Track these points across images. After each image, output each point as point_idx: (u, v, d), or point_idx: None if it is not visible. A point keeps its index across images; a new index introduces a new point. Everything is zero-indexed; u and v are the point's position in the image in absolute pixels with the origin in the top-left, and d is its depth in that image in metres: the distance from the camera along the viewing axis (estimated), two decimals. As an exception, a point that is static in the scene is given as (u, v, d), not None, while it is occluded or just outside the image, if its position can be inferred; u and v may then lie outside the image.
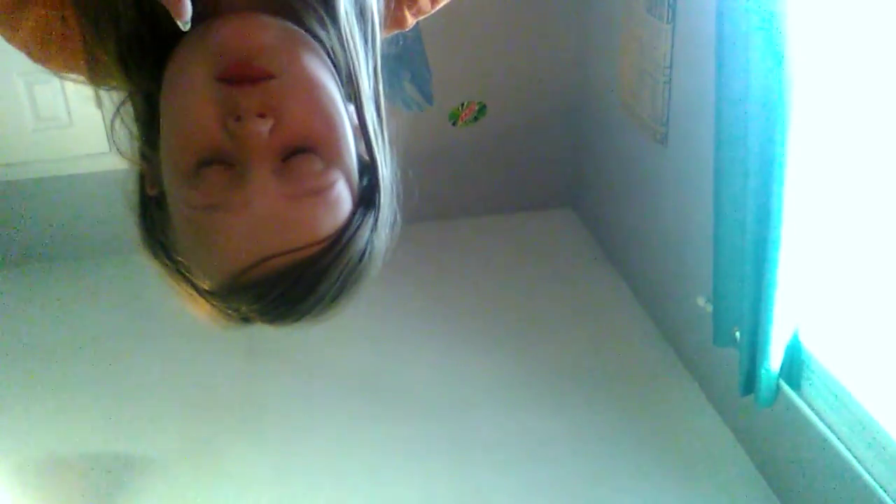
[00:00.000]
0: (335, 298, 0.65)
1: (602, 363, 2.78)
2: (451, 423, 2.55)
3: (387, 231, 0.68)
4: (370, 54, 0.70)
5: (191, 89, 0.60)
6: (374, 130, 0.68)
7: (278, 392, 2.71)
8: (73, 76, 0.70)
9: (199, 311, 0.67)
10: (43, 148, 3.23)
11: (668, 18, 2.52)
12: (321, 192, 0.62)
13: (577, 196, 3.68)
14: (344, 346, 2.83)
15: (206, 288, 0.64)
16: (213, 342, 2.80)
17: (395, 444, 2.47)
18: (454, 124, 3.50)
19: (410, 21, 0.81)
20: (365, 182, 0.67)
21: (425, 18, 0.83)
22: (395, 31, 0.81)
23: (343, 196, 0.64)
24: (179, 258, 0.66)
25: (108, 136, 0.70)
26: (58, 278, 3.31)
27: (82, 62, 0.68)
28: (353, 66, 0.67)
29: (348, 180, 0.65)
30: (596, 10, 3.24)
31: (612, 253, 3.34)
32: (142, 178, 0.70)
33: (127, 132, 0.69)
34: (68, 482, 2.36)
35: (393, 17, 0.78)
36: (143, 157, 0.69)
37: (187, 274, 0.66)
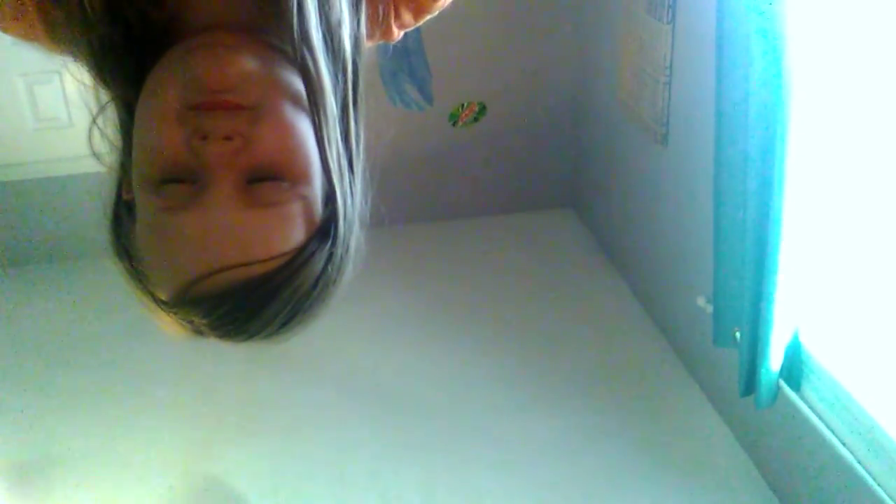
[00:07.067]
0: (285, 323, 0.66)
1: (602, 363, 2.77)
2: (451, 423, 2.55)
3: (346, 264, 0.67)
4: (341, 83, 0.67)
5: (162, 112, 0.61)
6: (337, 162, 0.66)
7: (278, 393, 2.71)
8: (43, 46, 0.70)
9: (159, 320, 0.67)
10: (43, 148, 3.23)
11: (668, 19, 2.52)
12: (278, 205, 0.61)
13: (577, 196, 3.68)
14: (344, 346, 2.83)
15: (162, 298, 0.65)
16: (213, 343, 2.80)
17: (396, 444, 2.47)
18: (454, 124, 3.50)
19: (397, 34, 0.80)
20: (328, 213, 0.66)
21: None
22: (382, 41, 0.81)
23: (300, 217, 0.63)
24: (139, 267, 0.66)
25: (88, 142, 0.69)
26: (58, 278, 3.31)
27: (44, 38, 0.68)
28: (319, 96, 0.64)
29: (309, 206, 0.64)
30: (596, 10, 3.24)
31: (612, 253, 3.34)
32: (119, 183, 0.70)
33: (106, 139, 0.69)
34: (68, 482, 2.36)
35: (381, 29, 0.78)
36: (122, 164, 0.69)
37: (145, 283, 0.66)
